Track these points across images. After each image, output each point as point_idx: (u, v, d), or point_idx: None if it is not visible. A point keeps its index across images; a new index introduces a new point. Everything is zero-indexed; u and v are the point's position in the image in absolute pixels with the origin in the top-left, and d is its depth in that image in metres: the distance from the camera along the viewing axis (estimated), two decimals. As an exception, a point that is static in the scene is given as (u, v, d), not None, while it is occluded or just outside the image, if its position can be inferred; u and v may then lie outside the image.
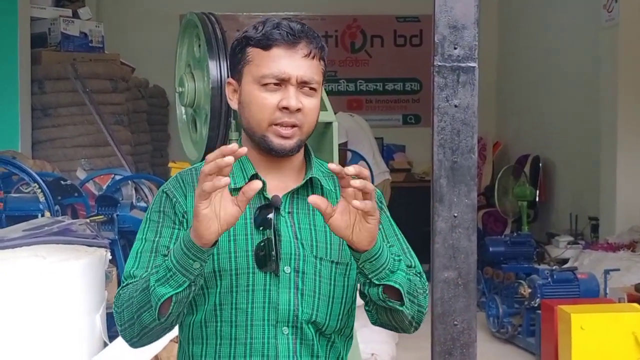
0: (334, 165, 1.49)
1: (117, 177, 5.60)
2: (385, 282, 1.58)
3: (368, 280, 1.59)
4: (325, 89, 3.67)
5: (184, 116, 3.47)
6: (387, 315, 1.68)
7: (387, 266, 1.58)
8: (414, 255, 1.76)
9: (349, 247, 1.58)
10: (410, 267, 1.69)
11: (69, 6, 7.04)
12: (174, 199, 1.68)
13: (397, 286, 1.59)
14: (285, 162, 1.70)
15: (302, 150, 1.74)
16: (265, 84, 1.64)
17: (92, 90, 6.42)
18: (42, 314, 3.24)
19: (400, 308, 1.62)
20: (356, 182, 1.46)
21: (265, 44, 1.64)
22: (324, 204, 1.51)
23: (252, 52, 1.66)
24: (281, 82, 1.64)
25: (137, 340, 1.64)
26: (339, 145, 5.89)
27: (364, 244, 1.54)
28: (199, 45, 3.24)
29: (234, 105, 1.73)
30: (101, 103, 6.48)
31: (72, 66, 6.40)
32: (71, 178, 5.64)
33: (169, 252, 1.56)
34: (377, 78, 9.99)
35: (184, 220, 1.67)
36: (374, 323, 1.75)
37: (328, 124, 3.37)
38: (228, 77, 3.17)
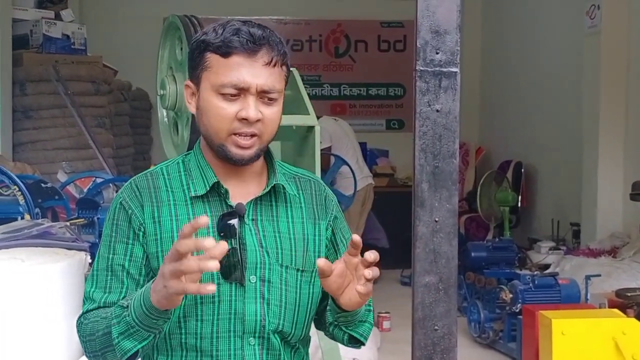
0: (357, 238, 1.50)
1: (98, 180, 5.57)
2: (351, 332, 1.68)
3: (335, 323, 1.66)
4: (308, 94, 3.68)
5: (166, 119, 3.46)
6: (334, 339, 1.77)
7: (359, 318, 1.66)
8: None
9: (332, 300, 1.60)
10: None
11: (52, 8, 6.99)
12: (130, 211, 1.62)
13: (362, 339, 1.70)
14: (246, 167, 1.65)
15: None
16: (224, 93, 1.57)
17: (74, 92, 6.39)
18: (21, 317, 3.21)
19: (358, 349, 1.75)
20: (367, 273, 1.48)
21: (225, 51, 1.57)
22: (328, 269, 1.52)
23: (211, 58, 1.59)
24: (240, 91, 1.57)
25: None
26: (323, 149, 5.90)
27: (349, 307, 1.58)
28: (181, 48, 3.23)
29: (192, 109, 1.67)
30: (83, 105, 6.44)
31: (54, 68, 6.36)
32: (52, 181, 5.60)
33: (127, 304, 1.50)
34: (361, 83, 10.00)
35: (140, 232, 1.61)
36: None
37: (310, 128, 3.37)
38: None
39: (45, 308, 3.27)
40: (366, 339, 1.70)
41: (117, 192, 5.38)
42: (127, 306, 1.49)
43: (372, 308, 1.71)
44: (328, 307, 1.66)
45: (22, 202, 4.50)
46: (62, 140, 6.39)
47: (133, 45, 8.76)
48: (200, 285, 1.36)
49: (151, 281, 1.47)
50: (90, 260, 3.74)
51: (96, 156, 6.31)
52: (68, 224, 4.22)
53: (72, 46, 6.81)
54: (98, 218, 4.71)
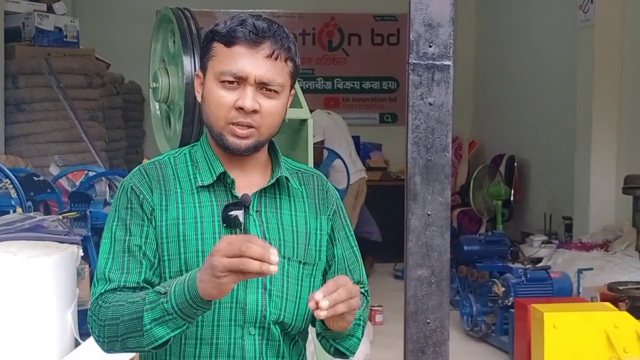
0: (318, 298, 1.46)
1: (91, 174, 5.55)
2: (337, 345, 1.67)
3: (322, 335, 1.66)
4: (302, 87, 3.68)
5: (158, 112, 3.45)
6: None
7: (346, 332, 1.64)
8: (364, 271, 1.81)
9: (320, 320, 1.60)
10: (359, 282, 1.75)
11: (44, 1, 6.96)
12: (141, 196, 1.63)
13: (348, 353, 1.68)
14: (250, 159, 1.68)
15: (266, 148, 1.71)
16: (223, 81, 1.60)
17: (67, 85, 6.36)
18: (13, 310, 3.21)
19: None
20: (321, 314, 1.45)
21: (228, 40, 1.60)
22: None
23: (216, 47, 1.63)
24: (239, 81, 1.60)
25: (116, 351, 1.58)
26: (316, 143, 5.90)
27: (337, 328, 1.58)
28: (174, 41, 3.22)
29: (199, 98, 1.69)
30: (75, 99, 6.42)
31: (47, 61, 6.34)
32: (44, 174, 5.58)
33: (165, 291, 1.48)
34: (354, 76, 10.00)
35: (152, 217, 1.63)
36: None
37: (303, 121, 3.36)
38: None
39: (37, 301, 3.26)
40: (353, 353, 1.69)
41: (109, 185, 5.38)
42: (165, 292, 1.48)
43: (362, 323, 1.70)
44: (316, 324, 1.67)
45: (14, 195, 4.49)
46: (55, 134, 6.37)
47: (126, 38, 8.74)
48: (263, 264, 1.37)
49: (195, 270, 1.46)
50: (82, 254, 3.73)
51: (88, 149, 6.29)
52: (60, 217, 4.21)
53: (65, 39, 6.79)
54: (90, 211, 4.70)
